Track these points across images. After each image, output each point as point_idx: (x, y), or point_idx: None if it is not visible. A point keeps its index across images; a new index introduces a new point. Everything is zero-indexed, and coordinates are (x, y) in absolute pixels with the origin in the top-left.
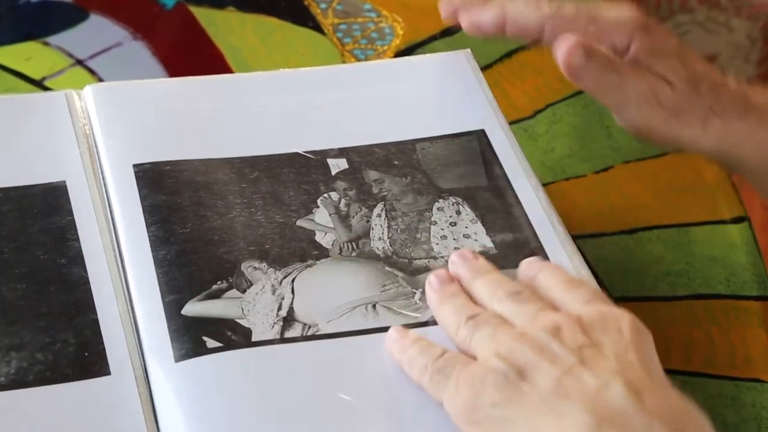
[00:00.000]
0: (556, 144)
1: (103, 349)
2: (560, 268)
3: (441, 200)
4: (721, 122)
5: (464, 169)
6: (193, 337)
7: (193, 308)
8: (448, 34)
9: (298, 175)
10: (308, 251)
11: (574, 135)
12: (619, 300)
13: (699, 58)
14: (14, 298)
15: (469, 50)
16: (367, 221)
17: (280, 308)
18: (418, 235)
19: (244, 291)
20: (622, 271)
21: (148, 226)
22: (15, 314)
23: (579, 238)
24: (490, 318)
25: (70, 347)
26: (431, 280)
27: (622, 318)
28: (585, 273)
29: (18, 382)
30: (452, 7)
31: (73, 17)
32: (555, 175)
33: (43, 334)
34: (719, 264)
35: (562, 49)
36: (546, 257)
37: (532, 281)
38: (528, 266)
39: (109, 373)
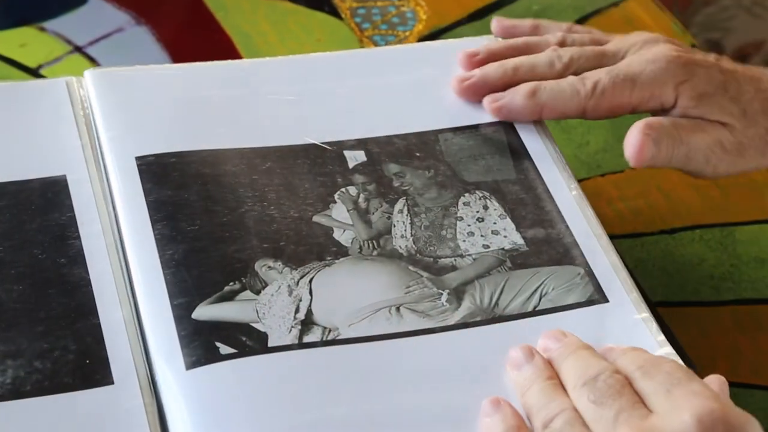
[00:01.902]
0: (591, 137)
1: (106, 356)
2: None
3: (467, 194)
4: None
5: (491, 161)
6: (205, 343)
7: (204, 312)
8: (475, 19)
9: (313, 167)
10: (326, 249)
11: (609, 127)
12: (660, 305)
13: (738, 71)
14: (10, 301)
15: (492, 36)
16: (388, 218)
17: (297, 311)
18: (443, 232)
19: (258, 292)
20: (662, 273)
21: (153, 224)
22: (11, 319)
23: (616, 239)
24: (566, 427)
25: (71, 354)
26: (512, 357)
27: None
28: (623, 272)
29: (14, 392)
30: (468, 85)
31: (71, 1)
32: (589, 170)
33: (41, 340)
34: (767, 266)
35: (633, 147)
36: (580, 254)
37: (614, 362)
38: (607, 352)
39: (112, 383)
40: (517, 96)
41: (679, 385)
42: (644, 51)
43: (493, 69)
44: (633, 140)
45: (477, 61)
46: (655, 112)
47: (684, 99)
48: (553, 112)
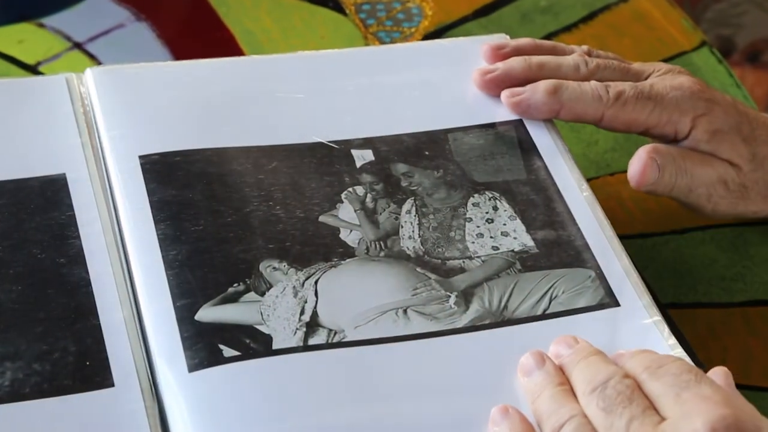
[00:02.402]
0: (600, 136)
1: (106, 358)
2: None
3: (476, 195)
4: None
5: (501, 161)
6: (208, 345)
7: (208, 313)
8: (481, 15)
9: (320, 166)
10: (332, 250)
11: None
12: (670, 306)
13: (750, 114)
14: (8, 302)
15: (504, 34)
16: (396, 218)
17: (302, 312)
18: (452, 233)
19: (263, 294)
20: (672, 274)
21: (156, 224)
22: (9, 319)
23: (625, 239)
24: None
25: (70, 356)
26: (523, 363)
27: None
28: (634, 276)
29: (13, 394)
30: (490, 78)
31: None
32: (598, 169)
33: (40, 341)
34: None
35: (636, 168)
36: (591, 256)
37: (623, 366)
38: (617, 357)
39: (112, 385)
40: (537, 92)
41: (688, 388)
42: (668, 77)
43: (517, 62)
44: (637, 161)
45: (502, 54)
46: (666, 139)
47: (698, 132)
48: (570, 113)
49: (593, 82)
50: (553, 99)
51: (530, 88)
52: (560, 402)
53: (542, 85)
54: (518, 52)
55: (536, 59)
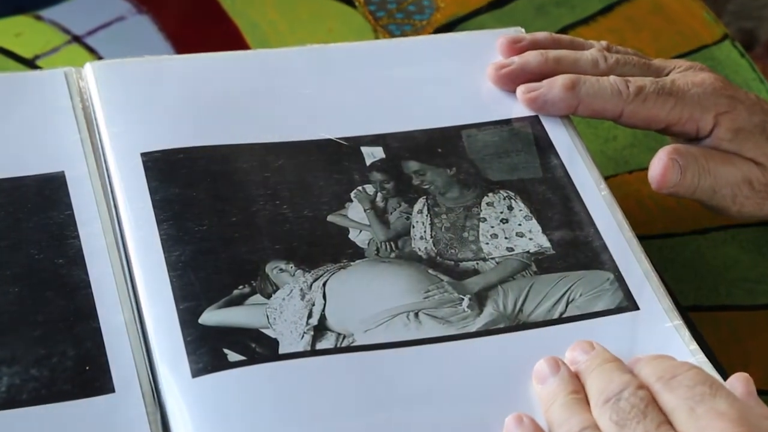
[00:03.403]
0: (619, 132)
1: (107, 362)
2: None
3: (490, 194)
4: None
5: (516, 159)
6: (212, 350)
7: (212, 316)
8: (495, 7)
9: (328, 163)
10: (341, 251)
11: None
12: (691, 309)
13: None
14: (5, 304)
15: (520, 27)
16: (407, 218)
17: (310, 316)
18: (465, 234)
19: (269, 296)
20: (693, 276)
21: (158, 224)
22: (6, 323)
23: (645, 239)
24: None
25: (69, 361)
26: (537, 370)
27: None
28: (654, 278)
29: (10, 401)
30: (505, 72)
31: None
32: (617, 167)
33: (38, 345)
34: None
35: (657, 170)
36: (610, 258)
37: (638, 373)
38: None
39: (113, 391)
40: (554, 87)
41: (703, 402)
42: (689, 73)
43: (533, 56)
44: (658, 163)
45: (518, 48)
46: (687, 137)
47: (721, 130)
48: (588, 108)
49: (612, 77)
50: (571, 94)
51: (547, 83)
52: (572, 411)
53: (559, 80)
54: (535, 45)
55: (553, 53)
